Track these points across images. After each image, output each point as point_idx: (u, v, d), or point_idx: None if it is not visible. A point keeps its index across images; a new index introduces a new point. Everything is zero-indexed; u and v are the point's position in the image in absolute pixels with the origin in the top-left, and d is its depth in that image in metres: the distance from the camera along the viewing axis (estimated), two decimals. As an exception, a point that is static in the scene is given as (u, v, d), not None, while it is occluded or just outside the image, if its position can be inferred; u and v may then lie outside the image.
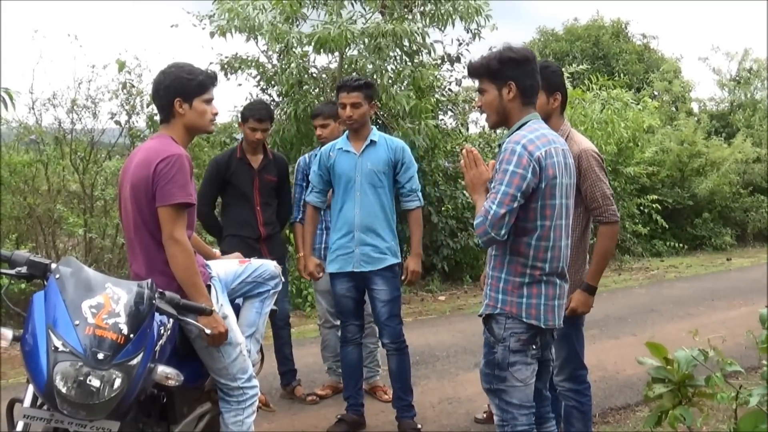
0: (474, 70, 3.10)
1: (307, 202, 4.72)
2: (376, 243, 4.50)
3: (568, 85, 12.20)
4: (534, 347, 3.02)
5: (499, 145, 3.07)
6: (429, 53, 9.07)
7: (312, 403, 5.18)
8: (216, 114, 3.34)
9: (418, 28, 8.56)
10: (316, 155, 5.15)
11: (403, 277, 4.63)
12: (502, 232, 2.87)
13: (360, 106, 4.48)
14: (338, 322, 5.25)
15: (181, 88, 3.18)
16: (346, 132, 4.65)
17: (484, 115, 3.16)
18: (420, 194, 4.67)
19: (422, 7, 8.99)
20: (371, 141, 4.54)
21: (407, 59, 9.06)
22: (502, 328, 2.99)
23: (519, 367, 2.99)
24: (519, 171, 2.85)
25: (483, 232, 2.89)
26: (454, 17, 8.79)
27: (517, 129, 3.00)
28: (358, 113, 4.49)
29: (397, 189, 4.61)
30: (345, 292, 4.60)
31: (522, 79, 2.98)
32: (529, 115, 3.03)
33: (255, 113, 4.99)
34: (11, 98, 4.81)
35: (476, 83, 3.15)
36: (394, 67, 9.04)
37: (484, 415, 4.85)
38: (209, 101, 3.27)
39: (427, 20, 8.91)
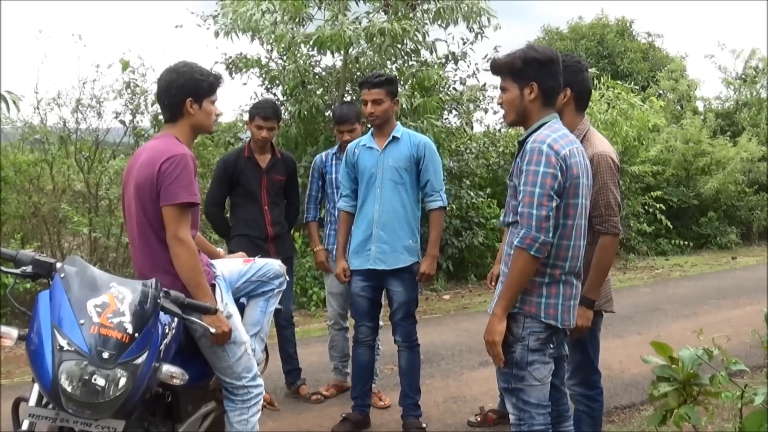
0: (497, 68, 3.06)
1: (339, 209, 4.72)
2: (392, 241, 4.47)
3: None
4: (552, 345, 3.01)
5: (520, 142, 3.03)
6: (431, 52, 9.06)
7: (316, 402, 5.19)
8: (219, 115, 3.37)
9: (418, 27, 8.55)
10: (334, 154, 5.16)
11: (417, 278, 4.59)
12: (551, 233, 2.83)
13: (382, 103, 4.48)
14: (347, 325, 5.24)
15: (194, 89, 3.20)
16: (371, 129, 4.65)
17: (503, 112, 3.13)
18: (444, 194, 4.59)
19: (425, 5, 8.97)
20: (394, 137, 4.52)
21: (407, 58, 9.05)
22: (521, 327, 2.96)
23: (537, 366, 2.98)
24: (549, 171, 2.83)
25: (532, 240, 2.81)
26: (457, 16, 8.78)
27: (537, 128, 2.97)
28: (380, 109, 4.48)
29: (420, 187, 4.57)
30: (360, 291, 4.59)
31: (544, 80, 2.96)
32: (548, 116, 3.01)
33: (261, 111, 4.98)
34: (15, 103, 4.82)
35: (498, 80, 3.11)
36: (397, 66, 9.04)
37: (477, 419, 4.83)
38: (214, 102, 3.30)
39: (431, 18, 8.89)
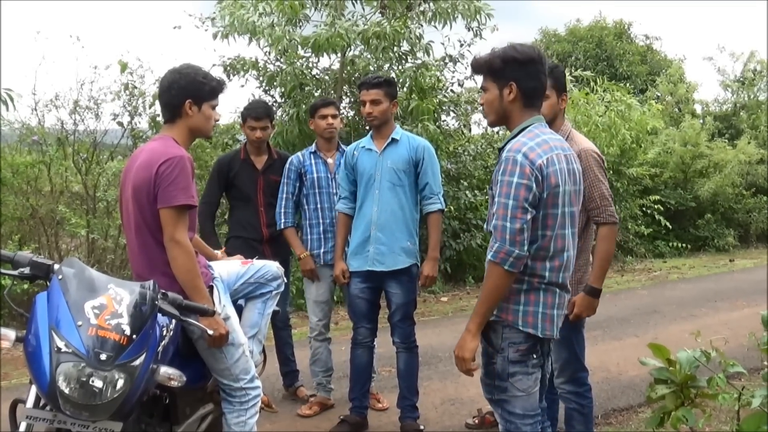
0: (477, 67, 2.96)
1: (338, 211, 4.67)
2: (390, 242, 4.46)
3: (572, 87, 12.31)
4: (535, 356, 2.88)
5: (499, 150, 2.92)
6: (426, 53, 9.06)
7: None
8: (218, 120, 3.37)
9: (413, 29, 8.57)
10: (312, 153, 5.01)
11: (420, 282, 4.58)
12: (525, 247, 2.71)
13: (380, 104, 4.47)
14: (330, 335, 5.14)
15: (194, 91, 3.20)
16: (371, 131, 4.64)
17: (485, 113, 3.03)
18: (442, 197, 4.57)
19: (422, 6, 8.98)
20: (392, 139, 4.52)
21: (403, 60, 9.05)
22: (500, 337, 2.85)
23: (520, 377, 2.86)
24: (523, 182, 2.69)
25: (506, 254, 2.69)
26: (455, 16, 8.79)
27: (517, 134, 2.85)
28: (378, 110, 4.47)
29: (419, 190, 4.55)
30: (359, 293, 4.58)
31: (524, 80, 2.82)
32: (531, 118, 2.86)
33: (252, 112, 4.97)
34: (12, 100, 4.82)
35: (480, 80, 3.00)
36: (394, 68, 9.04)
37: (475, 421, 4.83)
38: (215, 107, 3.30)
39: (428, 19, 8.91)
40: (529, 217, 2.71)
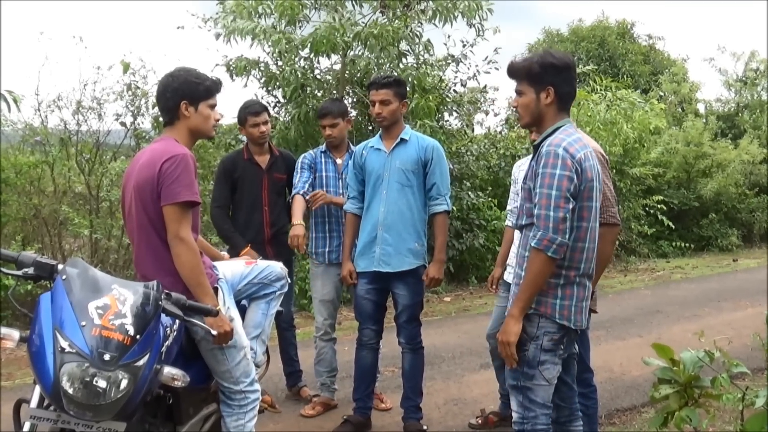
0: (514, 72, 3.13)
1: (346, 211, 4.66)
2: (397, 243, 4.44)
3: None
4: (562, 347, 3.06)
5: (535, 147, 3.09)
6: (426, 50, 9.05)
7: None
8: (218, 119, 3.37)
9: (412, 28, 8.57)
10: (323, 152, 5.03)
11: (425, 283, 4.54)
12: (567, 235, 2.89)
13: (389, 104, 4.45)
14: (335, 335, 5.13)
15: (188, 91, 3.21)
16: (380, 131, 4.63)
17: (518, 115, 3.20)
18: (448, 198, 4.55)
19: (422, 5, 8.97)
20: (401, 139, 4.50)
21: (403, 58, 9.04)
22: (536, 326, 3.00)
23: (548, 366, 3.02)
24: (566, 173, 2.88)
25: (549, 242, 2.86)
26: (455, 14, 8.77)
27: (552, 132, 3.03)
28: (388, 110, 4.46)
29: (426, 190, 4.53)
30: (365, 294, 4.56)
31: (561, 85, 3.03)
32: (562, 120, 3.06)
33: (250, 109, 4.99)
34: (16, 102, 4.83)
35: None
36: (393, 67, 9.02)
37: (478, 421, 4.82)
38: (213, 106, 3.31)
39: (428, 17, 8.89)
40: (570, 206, 2.90)
